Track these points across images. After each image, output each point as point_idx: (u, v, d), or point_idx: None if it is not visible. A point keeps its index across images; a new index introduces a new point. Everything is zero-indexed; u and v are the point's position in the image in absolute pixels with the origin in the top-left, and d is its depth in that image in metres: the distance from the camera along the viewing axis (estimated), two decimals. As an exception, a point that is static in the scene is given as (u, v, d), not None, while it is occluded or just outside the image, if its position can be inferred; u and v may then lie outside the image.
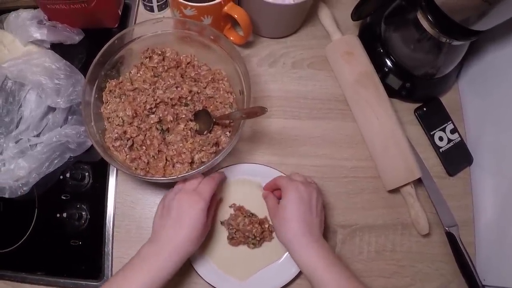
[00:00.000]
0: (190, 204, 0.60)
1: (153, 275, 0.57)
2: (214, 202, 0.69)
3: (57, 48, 0.79)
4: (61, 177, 0.76)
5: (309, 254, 0.61)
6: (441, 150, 0.83)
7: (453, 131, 0.84)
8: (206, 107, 0.73)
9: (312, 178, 0.72)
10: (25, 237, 0.74)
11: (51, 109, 0.77)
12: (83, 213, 0.74)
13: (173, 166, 0.69)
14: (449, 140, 0.84)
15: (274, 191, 0.72)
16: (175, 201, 0.61)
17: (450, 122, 0.85)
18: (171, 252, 0.59)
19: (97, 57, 0.68)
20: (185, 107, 0.71)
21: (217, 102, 0.73)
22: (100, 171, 0.76)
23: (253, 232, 0.70)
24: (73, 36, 0.80)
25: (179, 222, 0.60)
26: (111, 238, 0.73)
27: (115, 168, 0.75)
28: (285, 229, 0.63)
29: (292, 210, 0.63)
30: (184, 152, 0.68)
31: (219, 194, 0.73)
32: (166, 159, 0.69)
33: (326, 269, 0.59)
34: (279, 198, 0.68)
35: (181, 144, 0.69)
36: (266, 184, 0.72)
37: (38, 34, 0.77)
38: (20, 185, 0.72)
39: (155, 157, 0.69)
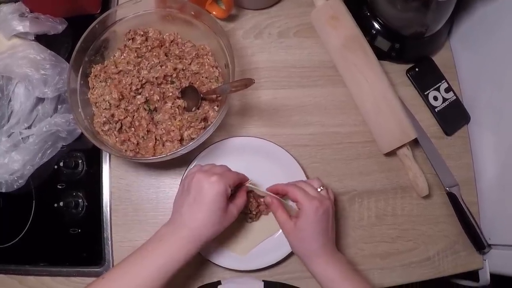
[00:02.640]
0: (210, 185, 0.58)
1: (168, 256, 0.56)
2: (242, 195, 0.65)
3: (42, 39, 0.78)
4: (56, 166, 0.75)
5: (326, 269, 0.61)
6: (436, 109, 0.82)
7: (448, 89, 0.83)
8: (192, 83, 0.72)
9: (328, 187, 0.68)
10: (25, 229, 0.74)
11: (40, 100, 0.76)
12: (80, 200, 0.74)
13: (163, 145, 0.68)
14: (444, 99, 0.82)
15: (278, 194, 0.67)
16: (195, 179, 0.59)
17: (444, 81, 0.83)
18: (188, 235, 0.57)
19: (79, 43, 0.68)
20: (171, 85, 0.71)
21: (203, 77, 0.73)
22: (93, 157, 0.76)
23: (249, 207, 0.70)
24: (56, 26, 0.80)
25: (196, 203, 0.58)
26: (109, 223, 0.73)
27: (107, 153, 0.75)
28: (303, 248, 0.63)
29: (310, 232, 0.61)
30: (173, 130, 0.68)
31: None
32: (156, 139, 0.68)
33: (343, 282, 0.60)
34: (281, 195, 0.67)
35: (169, 123, 0.69)
36: (274, 187, 0.68)
37: (21, 26, 0.76)
38: (16, 178, 0.72)
39: (145, 138, 0.69)
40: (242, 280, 0.68)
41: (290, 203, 0.68)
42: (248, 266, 0.70)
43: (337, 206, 0.76)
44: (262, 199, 0.71)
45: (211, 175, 0.58)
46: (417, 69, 0.82)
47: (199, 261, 0.71)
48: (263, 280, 0.66)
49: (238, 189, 0.65)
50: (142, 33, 0.73)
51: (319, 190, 0.65)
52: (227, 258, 0.70)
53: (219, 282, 0.66)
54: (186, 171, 0.71)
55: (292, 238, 0.64)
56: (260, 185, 0.71)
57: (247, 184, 0.66)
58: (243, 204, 0.64)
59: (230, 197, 0.61)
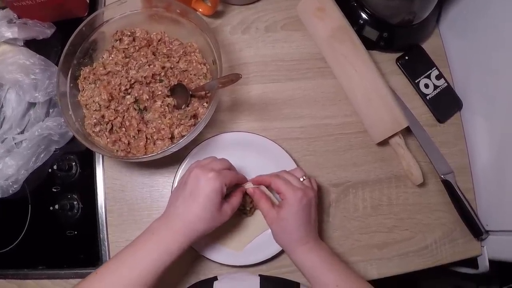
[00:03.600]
0: (206, 181, 0.58)
1: (161, 249, 0.56)
2: (237, 196, 0.65)
3: (31, 44, 0.79)
4: (50, 170, 0.76)
5: (308, 257, 0.62)
6: (428, 97, 0.81)
7: (439, 77, 0.83)
8: (181, 81, 0.72)
9: (311, 177, 0.68)
10: (22, 234, 0.74)
11: (31, 105, 0.77)
12: (75, 203, 0.75)
13: (154, 144, 0.69)
14: (436, 87, 0.82)
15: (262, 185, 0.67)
16: (193, 174, 0.59)
17: (435, 68, 0.83)
18: (180, 227, 0.57)
19: (67, 46, 0.68)
20: (160, 84, 0.71)
21: (191, 74, 0.73)
22: (86, 159, 0.76)
23: (243, 203, 0.70)
24: (45, 31, 0.80)
25: (191, 197, 0.58)
26: (105, 224, 0.73)
27: (100, 155, 0.75)
28: (285, 238, 0.63)
29: (293, 221, 0.61)
30: (163, 128, 0.68)
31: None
32: (147, 138, 0.69)
33: (326, 269, 0.61)
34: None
35: (159, 121, 0.69)
36: (257, 178, 0.68)
37: (9, 33, 0.77)
38: (11, 183, 0.73)
39: (136, 137, 0.69)
40: (238, 276, 0.68)
41: (276, 195, 0.68)
42: (245, 261, 0.70)
43: (331, 198, 0.77)
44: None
45: (209, 171, 0.59)
46: (407, 58, 0.82)
47: (195, 257, 0.71)
48: (259, 275, 0.66)
49: (235, 188, 0.65)
50: (129, 33, 0.73)
51: (301, 180, 0.65)
52: (223, 254, 0.70)
53: (215, 278, 0.66)
54: (180, 169, 0.71)
55: (275, 227, 0.64)
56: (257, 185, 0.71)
57: (245, 187, 0.66)
58: (238, 204, 0.64)
59: (226, 196, 0.62)
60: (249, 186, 0.67)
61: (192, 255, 0.71)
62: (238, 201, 0.64)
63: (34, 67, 0.74)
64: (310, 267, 0.62)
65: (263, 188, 0.67)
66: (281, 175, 0.65)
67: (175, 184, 0.71)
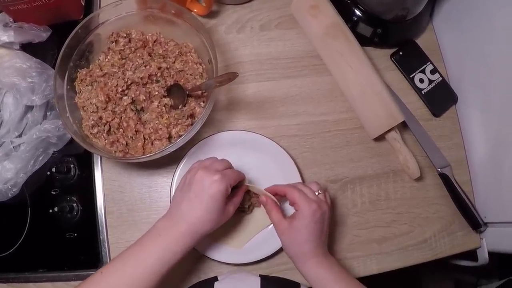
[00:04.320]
0: (211, 183, 0.58)
1: (166, 249, 0.56)
2: (239, 195, 0.65)
3: (28, 48, 0.79)
4: (48, 173, 0.76)
5: (318, 270, 0.62)
6: (423, 92, 0.82)
7: (433, 71, 0.83)
8: (177, 81, 0.73)
9: (326, 191, 0.68)
10: (22, 237, 0.74)
11: (29, 108, 0.77)
12: (74, 205, 0.75)
13: (152, 144, 0.69)
14: (430, 81, 0.82)
15: (276, 195, 0.67)
16: (198, 176, 0.59)
17: (429, 62, 0.83)
18: (185, 229, 0.57)
19: (63, 49, 0.69)
20: (157, 84, 0.71)
21: (187, 74, 0.73)
22: (85, 161, 0.76)
23: (241, 201, 0.70)
24: (41, 34, 0.80)
25: (196, 199, 0.58)
26: (104, 225, 0.73)
27: (99, 156, 0.75)
28: (296, 249, 0.63)
29: (305, 233, 0.61)
30: (161, 128, 0.68)
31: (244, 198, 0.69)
32: (144, 138, 0.69)
33: (334, 282, 0.61)
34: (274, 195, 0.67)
35: (157, 121, 0.69)
36: (272, 187, 0.68)
37: (5, 36, 0.77)
38: (10, 187, 0.73)
39: (133, 138, 0.69)
40: (239, 276, 0.68)
41: (286, 206, 0.69)
42: (245, 259, 0.71)
43: (329, 194, 0.76)
44: (252, 193, 0.71)
45: (213, 173, 0.59)
46: (401, 53, 0.82)
47: (196, 256, 0.71)
48: (259, 275, 0.66)
49: (235, 187, 0.65)
50: (125, 35, 0.74)
51: (317, 193, 0.65)
52: (223, 253, 0.70)
53: (216, 278, 0.66)
54: (178, 169, 0.72)
55: (285, 238, 0.63)
56: (253, 180, 0.71)
57: (246, 184, 0.66)
58: (239, 202, 0.65)
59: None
60: (248, 183, 0.67)
61: (193, 254, 0.71)
62: (239, 199, 0.65)
63: (30, 71, 0.74)
64: (319, 280, 0.61)
65: (275, 199, 0.67)
66: (297, 186, 0.65)
67: (174, 184, 0.71)
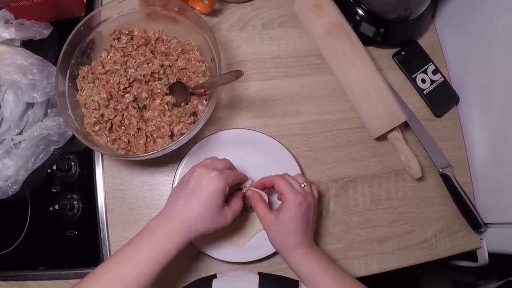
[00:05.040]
0: (209, 180, 0.57)
1: (159, 248, 0.56)
2: (238, 201, 0.64)
3: (29, 45, 0.79)
4: (49, 170, 0.75)
5: (305, 261, 0.62)
6: (425, 92, 0.82)
7: (435, 71, 0.83)
8: (180, 79, 0.72)
9: (312, 183, 0.68)
10: (22, 235, 0.74)
11: (30, 105, 0.77)
12: (75, 203, 0.74)
13: (154, 142, 0.69)
14: (432, 81, 0.83)
15: (264, 188, 0.68)
16: (196, 173, 0.59)
17: (431, 63, 0.83)
18: (179, 226, 0.57)
19: (65, 46, 0.68)
20: (159, 82, 0.71)
21: (190, 72, 0.73)
22: (86, 159, 0.76)
23: (243, 200, 0.70)
24: (42, 31, 0.80)
25: (193, 196, 0.58)
26: (105, 223, 0.73)
27: (100, 154, 0.75)
28: (282, 241, 0.63)
29: (292, 226, 0.62)
30: (163, 126, 0.68)
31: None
32: (146, 136, 0.69)
33: (323, 274, 0.61)
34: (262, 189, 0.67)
35: (159, 119, 0.69)
36: (260, 180, 0.68)
37: (6, 33, 0.77)
38: (10, 184, 0.72)
39: (135, 135, 0.69)
40: (238, 274, 0.68)
41: (274, 198, 0.69)
42: (245, 258, 0.71)
43: (330, 193, 0.77)
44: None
45: (212, 170, 0.58)
46: (403, 53, 0.82)
47: (197, 255, 0.71)
48: (258, 273, 0.66)
49: (234, 192, 0.65)
50: (127, 32, 0.73)
51: (302, 185, 0.65)
52: (224, 251, 0.70)
53: (214, 276, 0.66)
54: (180, 167, 0.72)
55: (272, 231, 0.63)
56: (255, 179, 0.70)
57: (247, 184, 0.66)
58: (239, 210, 0.63)
59: (226, 201, 0.61)
60: (249, 185, 0.67)
61: (193, 252, 0.71)
62: (239, 207, 0.63)
63: (32, 68, 0.74)
64: (307, 272, 0.62)
65: (261, 192, 0.67)
66: (284, 177, 0.65)
67: (175, 183, 0.71)
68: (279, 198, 0.66)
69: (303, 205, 0.62)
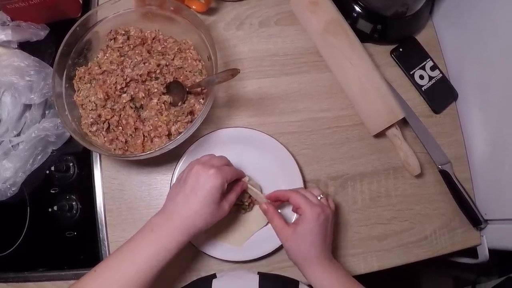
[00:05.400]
0: (207, 177, 0.58)
1: (159, 245, 0.56)
2: (235, 191, 0.65)
3: (26, 46, 0.79)
4: (47, 171, 0.75)
5: (323, 276, 0.61)
6: (423, 88, 0.82)
7: (433, 68, 0.83)
8: (176, 78, 0.72)
9: (328, 195, 0.69)
10: (21, 237, 0.74)
11: (27, 107, 0.77)
12: (74, 203, 0.74)
13: (151, 141, 0.69)
14: (430, 78, 0.82)
15: (276, 201, 0.68)
16: (194, 171, 0.59)
17: (429, 59, 0.83)
18: (179, 224, 0.57)
19: (61, 47, 0.68)
20: (156, 81, 0.71)
21: (186, 71, 0.73)
22: (84, 159, 0.76)
23: (241, 198, 0.70)
24: (39, 32, 0.80)
25: (192, 193, 0.58)
26: (104, 224, 0.73)
27: (98, 155, 0.75)
28: (301, 255, 0.62)
29: (310, 239, 0.61)
30: (160, 126, 0.68)
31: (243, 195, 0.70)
32: (144, 135, 0.69)
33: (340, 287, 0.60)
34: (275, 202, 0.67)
35: (156, 119, 0.69)
36: (274, 193, 0.67)
37: (3, 35, 0.77)
38: (9, 186, 0.72)
39: (133, 135, 0.69)
40: (237, 273, 0.67)
41: (285, 212, 0.69)
42: (245, 256, 0.70)
43: (329, 191, 0.77)
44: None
45: (209, 167, 0.59)
46: (401, 49, 0.82)
47: (196, 254, 0.71)
48: (258, 273, 0.66)
49: (232, 184, 0.65)
50: (123, 32, 0.73)
51: (319, 198, 0.65)
52: (223, 250, 0.70)
53: (214, 276, 0.66)
54: (177, 167, 0.71)
55: (290, 244, 0.62)
56: (253, 177, 0.71)
57: (245, 181, 0.66)
58: (235, 200, 0.64)
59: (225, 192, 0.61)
60: (246, 180, 0.67)
61: (192, 251, 0.71)
62: (235, 197, 0.64)
63: (28, 69, 0.74)
64: (324, 286, 0.61)
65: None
66: (299, 191, 0.65)
67: (174, 182, 0.71)
68: (294, 210, 0.66)
69: (321, 217, 0.61)
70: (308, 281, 0.63)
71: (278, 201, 0.67)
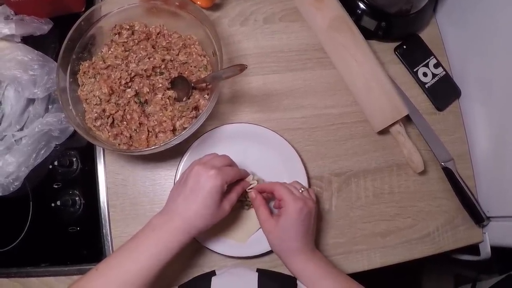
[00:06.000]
0: (207, 178, 0.58)
1: (161, 245, 0.56)
2: (236, 191, 0.65)
3: (29, 40, 0.78)
4: (51, 166, 0.75)
5: (306, 267, 0.62)
6: (426, 85, 0.82)
7: (437, 65, 0.83)
8: (181, 73, 0.72)
9: (309, 188, 0.69)
10: (24, 231, 0.73)
11: (30, 101, 0.76)
12: (77, 198, 0.74)
13: (156, 136, 0.69)
14: (434, 75, 0.82)
15: (263, 193, 0.68)
16: (194, 171, 0.59)
17: (433, 56, 0.83)
18: (180, 225, 0.57)
19: (66, 41, 0.68)
20: (161, 76, 0.71)
21: (191, 66, 0.73)
22: (87, 154, 0.75)
23: (244, 194, 0.70)
24: (42, 26, 0.80)
25: (192, 194, 0.58)
26: (107, 219, 0.73)
27: (101, 150, 0.75)
28: (283, 247, 0.63)
29: (293, 232, 0.61)
30: (165, 121, 0.68)
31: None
32: (148, 131, 0.69)
33: (324, 279, 0.61)
34: (266, 199, 0.67)
35: (161, 114, 0.69)
36: (260, 186, 0.68)
37: (6, 29, 0.76)
38: (11, 180, 0.72)
39: (137, 130, 0.69)
40: (237, 271, 0.67)
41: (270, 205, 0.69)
42: (248, 252, 0.71)
43: (333, 187, 0.77)
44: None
45: (210, 168, 0.59)
46: (405, 47, 0.82)
47: (199, 250, 0.71)
48: (257, 270, 0.66)
49: (234, 183, 0.64)
50: (128, 27, 0.73)
51: (300, 191, 0.65)
52: (227, 246, 0.70)
53: (213, 273, 0.66)
54: (181, 162, 0.71)
55: (273, 236, 0.63)
56: (257, 173, 0.71)
57: (249, 179, 0.66)
58: (236, 199, 0.64)
59: (226, 192, 0.61)
60: (249, 179, 0.67)
61: (196, 246, 0.71)
62: (236, 197, 0.64)
63: (32, 63, 0.74)
64: (307, 277, 0.61)
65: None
66: (284, 184, 0.65)
67: (177, 178, 0.71)
68: (275, 206, 0.67)
69: (304, 210, 0.61)
70: (290, 272, 0.63)
71: (263, 192, 0.67)
